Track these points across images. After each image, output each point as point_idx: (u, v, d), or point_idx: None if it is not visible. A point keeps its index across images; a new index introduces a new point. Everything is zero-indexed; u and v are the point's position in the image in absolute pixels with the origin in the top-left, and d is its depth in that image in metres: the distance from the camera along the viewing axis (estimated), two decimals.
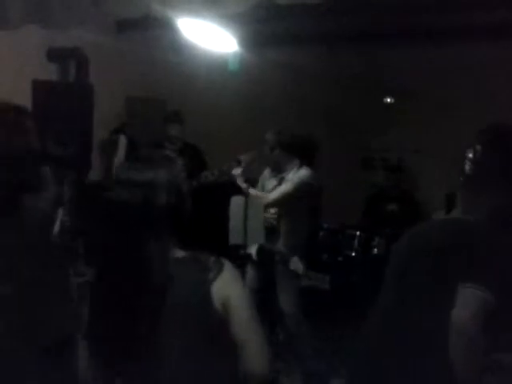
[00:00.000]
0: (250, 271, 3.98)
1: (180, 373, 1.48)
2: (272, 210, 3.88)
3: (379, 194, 6.03)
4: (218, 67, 4.95)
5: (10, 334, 1.96)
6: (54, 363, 2.03)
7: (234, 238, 3.76)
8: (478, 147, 2.71)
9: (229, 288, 1.50)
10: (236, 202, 3.81)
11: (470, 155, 2.56)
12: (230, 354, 1.50)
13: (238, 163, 3.98)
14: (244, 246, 3.86)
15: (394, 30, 5.06)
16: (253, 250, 3.87)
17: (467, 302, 1.72)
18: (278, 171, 4.04)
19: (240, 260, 3.84)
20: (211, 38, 4.33)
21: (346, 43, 5.50)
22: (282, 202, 3.82)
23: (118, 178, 1.52)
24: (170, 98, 5.54)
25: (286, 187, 3.82)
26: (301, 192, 3.81)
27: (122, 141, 4.63)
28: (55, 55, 4.52)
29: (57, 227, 2.25)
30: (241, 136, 5.77)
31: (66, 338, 2.13)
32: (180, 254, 1.52)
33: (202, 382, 1.50)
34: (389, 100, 6.65)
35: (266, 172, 4.19)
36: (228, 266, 1.53)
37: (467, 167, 2.35)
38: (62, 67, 4.58)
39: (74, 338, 2.13)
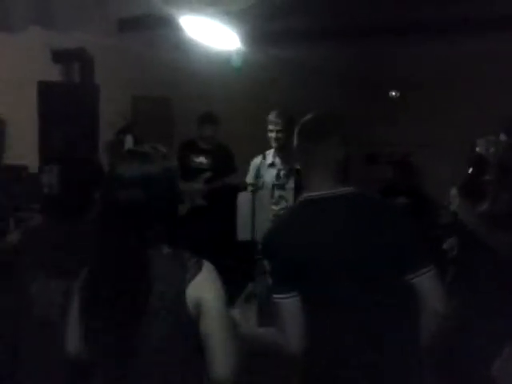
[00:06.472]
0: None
1: (152, 367, 1.50)
2: (275, 207, 3.81)
3: (389, 187, 6.03)
4: (221, 64, 4.96)
5: None
6: None
7: (242, 234, 3.74)
8: (503, 136, 2.67)
9: (202, 291, 1.50)
10: (243, 197, 3.80)
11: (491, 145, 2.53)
12: (201, 355, 1.52)
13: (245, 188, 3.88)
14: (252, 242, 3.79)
15: (398, 24, 5.05)
16: None
17: (438, 287, 1.73)
18: (285, 161, 3.86)
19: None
20: (214, 36, 4.35)
21: (349, 38, 5.49)
22: None
23: (113, 173, 1.55)
24: (174, 96, 5.56)
25: None
26: None
27: (129, 141, 4.65)
28: (60, 57, 4.55)
29: None
30: (244, 132, 5.78)
31: None
32: (165, 250, 1.53)
33: (171, 380, 1.52)
34: (394, 94, 6.63)
35: (258, 159, 3.99)
36: (207, 268, 1.53)
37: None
38: (66, 68, 4.61)
39: None
